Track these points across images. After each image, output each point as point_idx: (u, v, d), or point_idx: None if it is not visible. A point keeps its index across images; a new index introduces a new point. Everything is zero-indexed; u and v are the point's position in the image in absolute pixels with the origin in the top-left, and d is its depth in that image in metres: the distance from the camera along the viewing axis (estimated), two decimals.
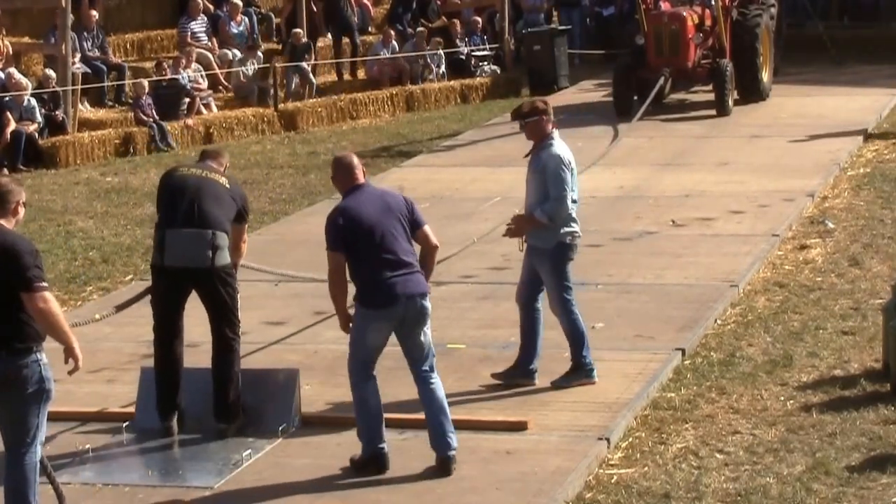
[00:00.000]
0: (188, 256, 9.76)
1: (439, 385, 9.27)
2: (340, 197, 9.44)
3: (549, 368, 11.15)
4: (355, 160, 9.44)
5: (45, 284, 7.91)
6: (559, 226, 10.46)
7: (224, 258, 9.84)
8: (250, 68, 25.75)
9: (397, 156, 21.95)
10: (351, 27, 27.96)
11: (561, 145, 10.53)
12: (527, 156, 10.62)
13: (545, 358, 11.30)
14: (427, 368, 9.25)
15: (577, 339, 10.73)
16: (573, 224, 10.57)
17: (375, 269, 9.09)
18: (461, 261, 13.88)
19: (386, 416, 9.64)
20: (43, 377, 7.97)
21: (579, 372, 10.71)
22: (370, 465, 9.21)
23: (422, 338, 9.21)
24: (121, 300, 11.53)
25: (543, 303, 10.81)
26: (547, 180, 10.41)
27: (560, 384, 10.63)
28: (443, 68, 28.17)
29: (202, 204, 9.82)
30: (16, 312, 7.88)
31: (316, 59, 27.25)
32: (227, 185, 10.08)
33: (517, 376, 10.76)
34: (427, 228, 9.38)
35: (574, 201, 10.55)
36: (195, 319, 10.30)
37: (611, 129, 22.21)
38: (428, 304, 9.21)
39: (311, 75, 26.30)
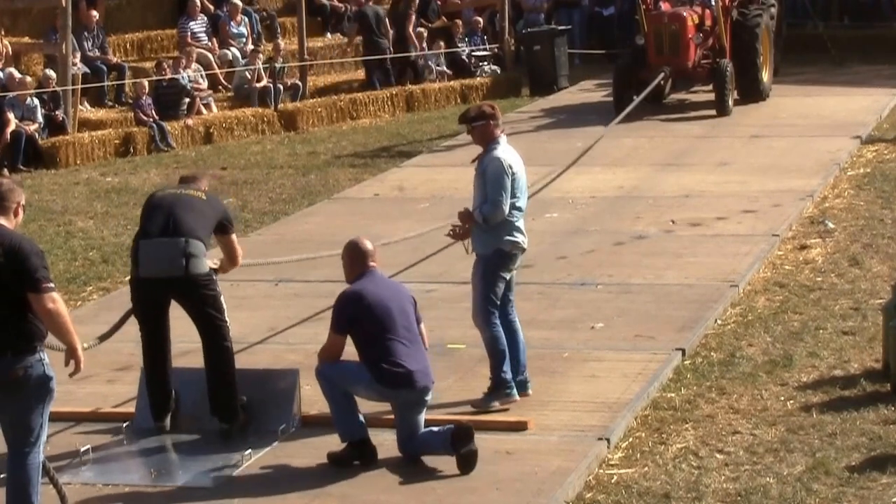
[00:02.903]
0: (162, 266, 9.75)
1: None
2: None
3: (550, 368, 11.17)
4: (370, 246, 9.57)
5: (52, 285, 7.95)
6: (500, 233, 10.21)
7: (199, 266, 9.77)
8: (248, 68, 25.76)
9: (397, 156, 21.95)
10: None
11: (506, 150, 10.29)
12: (474, 160, 10.44)
13: (545, 357, 11.32)
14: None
15: (496, 355, 10.32)
16: (516, 234, 10.28)
17: (394, 349, 9.26)
18: (461, 261, 13.82)
19: (383, 416, 9.66)
20: (46, 377, 7.99)
21: (499, 390, 10.29)
22: (353, 456, 9.31)
23: (419, 416, 9.40)
24: (120, 301, 11.53)
25: (515, 309, 10.62)
26: (486, 184, 10.21)
27: (481, 405, 10.27)
28: (443, 68, 28.17)
29: (175, 214, 9.84)
30: (21, 313, 7.91)
31: (316, 60, 27.27)
32: (204, 198, 10.11)
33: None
34: (423, 327, 9.64)
35: (518, 209, 10.27)
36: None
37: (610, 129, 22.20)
38: (430, 394, 9.52)
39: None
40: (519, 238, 10.33)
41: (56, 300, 7.93)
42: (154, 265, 9.77)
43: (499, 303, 10.34)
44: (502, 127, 10.48)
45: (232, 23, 26.80)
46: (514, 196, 10.23)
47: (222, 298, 10.01)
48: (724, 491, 8.93)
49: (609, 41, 30.20)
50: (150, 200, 10.19)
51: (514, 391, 10.34)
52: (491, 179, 10.19)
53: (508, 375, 10.32)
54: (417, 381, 9.30)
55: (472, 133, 10.41)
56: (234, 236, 10.34)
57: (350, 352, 9.48)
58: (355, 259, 9.56)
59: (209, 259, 10.01)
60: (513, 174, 10.22)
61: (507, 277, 10.40)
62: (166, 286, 9.81)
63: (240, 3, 27.02)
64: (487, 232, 10.25)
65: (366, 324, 9.28)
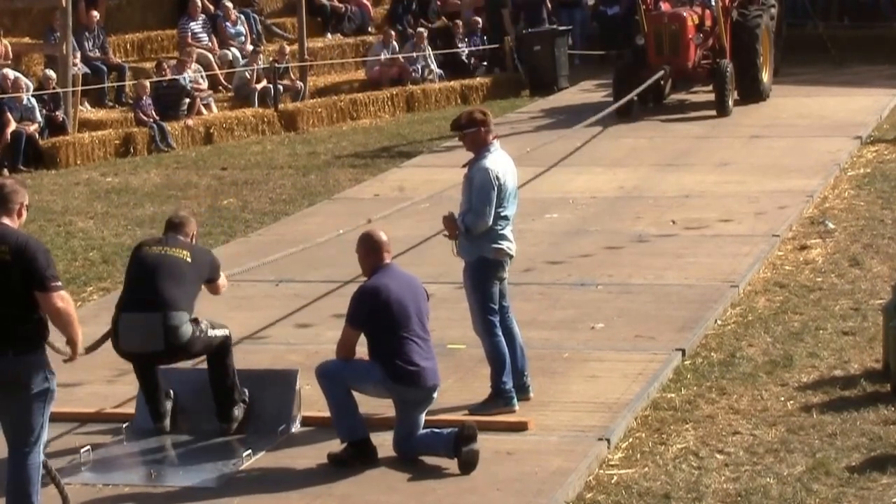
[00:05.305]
0: (141, 343, 9.71)
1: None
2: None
3: (550, 368, 11.17)
4: (384, 238, 9.55)
5: (60, 283, 7.95)
6: (484, 241, 10.07)
7: (180, 336, 9.63)
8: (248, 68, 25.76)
9: (397, 156, 21.96)
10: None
11: (495, 158, 10.10)
12: (464, 166, 10.28)
13: (546, 358, 11.32)
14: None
15: (498, 364, 10.16)
16: (501, 241, 10.10)
17: (409, 347, 9.30)
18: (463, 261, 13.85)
19: (383, 416, 9.66)
20: (47, 377, 7.99)
21: (498, 399, 10.15)
22: (354, 456, 9.31)
23: (421, 415, 9.43)
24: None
25: (511, 313, 10.51)
26: (472, 193, 10.07)
27: (477, 410, 10.15)
28: (433, 66, 28.07)
29: (157, 285, 9.66)
30: (24, 312, 7.90)
31: (316, 60, 27.27)
32: (189, 261, 9.85)
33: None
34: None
35: (505, 217, 10.11)
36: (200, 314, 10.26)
37: (610, 129, 22.21)
38: (437, 393, 9.53)
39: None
40: (504, 245, 10.18)
41: (65, 298, 7.93)
42: (134, 341, 9.73)
43: (496, 308, 10.25)
44: (495, 132, 10.33)
45: (227, 23, 26.79)
46: (500, 206, 10.07)
47: (208, 329, 9.80)
48: (724, 491, 8.93)
49: (613, 41, 30.17)
50: (135, 257, 9.95)
51: (514, 401, 10.23)
52: (477, 190, 10.04)
53: (509, 385, 10.22)
54: (428, 379, 9.34)
55: (464, 140, 10.23)
56: (220, 281, 10.21)
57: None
58: (370, 251, 9.55)
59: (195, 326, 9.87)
60: (500, 184, 10.05)
61: (498, 284, 10.25)
62: (148, 355, 9.82)
63: (229, 4, 26.96)
64: (471, 240, 10.13)
65: (382, 320, 9.29)
